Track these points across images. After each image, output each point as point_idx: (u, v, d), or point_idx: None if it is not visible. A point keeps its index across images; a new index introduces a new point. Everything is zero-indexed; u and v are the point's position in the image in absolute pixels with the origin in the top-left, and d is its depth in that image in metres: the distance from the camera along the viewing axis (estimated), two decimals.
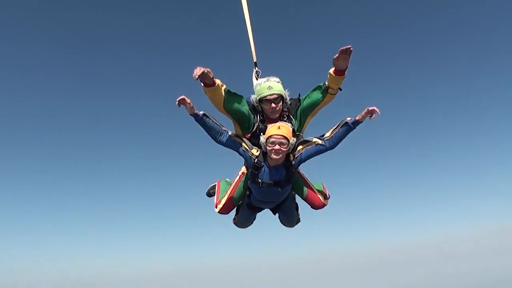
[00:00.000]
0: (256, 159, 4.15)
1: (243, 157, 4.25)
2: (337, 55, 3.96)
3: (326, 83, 4.21)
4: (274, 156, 4.00)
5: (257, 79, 4.72)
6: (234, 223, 4.93)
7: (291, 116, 4.38)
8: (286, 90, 4.32)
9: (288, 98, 4.34)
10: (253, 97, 4.33)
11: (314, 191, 4.63)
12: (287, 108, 4.36)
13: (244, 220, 4.87)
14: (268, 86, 4.20)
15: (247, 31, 4.99)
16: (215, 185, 5.21)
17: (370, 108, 4.05)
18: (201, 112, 4.07)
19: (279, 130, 3.98)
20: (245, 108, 4.27)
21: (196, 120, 4.07)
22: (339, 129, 4.15)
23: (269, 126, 4.11)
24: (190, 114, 4.03)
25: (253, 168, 4.18)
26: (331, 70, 4.12)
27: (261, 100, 4.23)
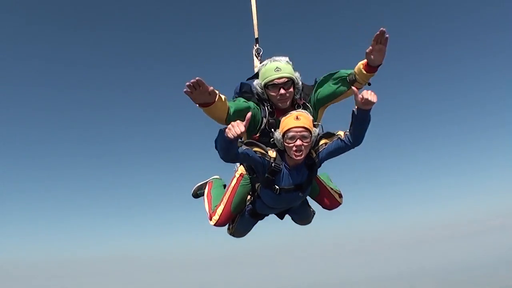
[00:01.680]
0: (273, 163, 3.29)
1: (259, 165, 3.30)
2: (370, 47, 3.14)
3: (353, 75, 3.33)
4: (295, 155, 3.17)
5: (258, 59, 4.03)
6: (230, 234, 4.01)
7: (307, 104, 3.51)
8: (297, 73, 3.45)
9: (300, 83, 3.46)
10: (257, 83, 3.46)
11: (327, 189, 3.83)
12: (300, 95, 3.50)
13: (243, 229, 4.00)
14: (275, 67, 3.34)
15: None
16: (204, 184, 4.31)
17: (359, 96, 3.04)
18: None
19: (298, 121, 3.16)
20: (250, 104, 3.40)
21: (230, 146, 3.01)
22: (352, 121, 3.24)
23: (284, 118, 3.27)
24: (230, 140, 2.92)
25: (270, 173, 3.33)
26: (362, 64, 3.27)
27: (267, 86, 3.35)
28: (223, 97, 3.14)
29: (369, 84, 3.37)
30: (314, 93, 3.52)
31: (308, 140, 3.15)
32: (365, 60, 3.23)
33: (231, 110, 3.22)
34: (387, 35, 3.08)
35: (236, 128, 2.83)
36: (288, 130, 3.14)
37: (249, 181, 3.68)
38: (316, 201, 3.92)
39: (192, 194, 4.43)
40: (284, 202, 3.53)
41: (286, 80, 3.30)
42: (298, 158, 3.16)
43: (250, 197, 3.74)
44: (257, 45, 4.16)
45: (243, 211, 3.82)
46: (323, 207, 3.92)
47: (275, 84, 3.30)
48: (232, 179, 3.80)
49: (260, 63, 3.72)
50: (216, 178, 4.35)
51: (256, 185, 3.58)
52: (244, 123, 2.88)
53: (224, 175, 4.31)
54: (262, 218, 3.91)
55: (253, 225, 3.99)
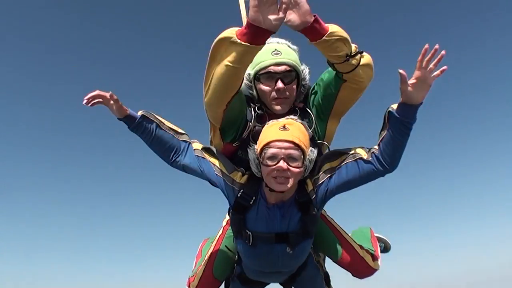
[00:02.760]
0: (240, 190, 2.16)
1: (222, 190, 2.27)
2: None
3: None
4: (275, 184, 2.00)
5: None
6: None
7: (308, 110, 2.35)
8: (305, 67, 2.36)
9: (307, 78, 2.37)
10: (245, 75, 2.31)
11: (354, 249, 2.53)
12: (303, 97, 2.40)
13: None
14: (273, 49, 2.25)
15: None
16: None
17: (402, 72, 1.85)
18: (140, 113, 2.22)
19: (284, 131, 1.98)
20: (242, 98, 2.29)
21: (132, 127, 2.21)
22: (386, 131, 2.01)
23: (266, 125, 2.11)
24: (120, 119, 2.20)
25: (236, 208, 2.19)
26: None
27: (259, 76, 2.26)
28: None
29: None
30: (311, 94, 2.38)
31: (298, 163, 1.96)
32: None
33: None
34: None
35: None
36: (267, 145, 1.97)
37: None
38: (341, 266, 2.58)
39: None
40: (265, 261, 2.28)
41: (288, 69, 2.21)
42: (279, 187, 1.98)
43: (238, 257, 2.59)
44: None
45: (233, 275, 2.65)
46: (353, 275, 2.60)
47: (271, 73, 2.21)
48: (218, 231, 2.70)
49: None
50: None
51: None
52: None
53: None
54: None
55: None
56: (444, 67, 1.84)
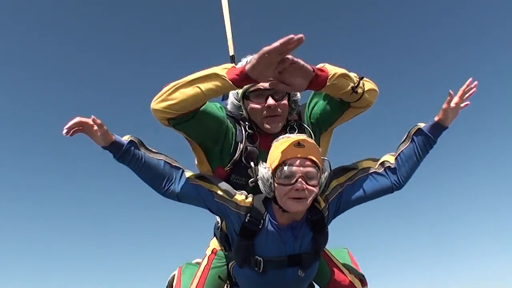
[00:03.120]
0: (248, 214, 1.99)
1: (222, 217, 2.15)
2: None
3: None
4: (292, 204, 1.86)
5: None
6: None
7: (304, 125, 2.25)
8: None
9: (299, 94, 2.25)
10: (232, 93, 2.22)
11: (343, 272, 2.34)
12: (297, 113, 2.28)
13: None
14: None
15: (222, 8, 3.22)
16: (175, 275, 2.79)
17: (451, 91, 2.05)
18: (127, 138, 1.99)
19: (300, 148, 1.86)
20: (218, 114, 2.13)
21: (119, 156, 1.95)
22: (408, 145, 2.09)
23: (275, 143, 1.97)
24: (105, 147, 1.93)
25: (243, 233, 2.01)
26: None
27: (247, 95, 2.12)
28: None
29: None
30: (308, 108, 2.31)
31: (315, 182, 1.85)
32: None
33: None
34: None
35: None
36: (284, 163, 1.84)
37: (225, 261, 2.39)
38: None
39: None
40: (274, 286, 2.10)
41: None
42: (296, 208, 1.85)
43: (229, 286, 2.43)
44: (234, 64, 3.11)
45: None
46: None
47: (260, 90, 2.06)
48: (202, 260, 2.47)
49: None
50: (191, 263, 2.85)
51: (230, 265, 2.25)
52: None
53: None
54: None
55: None
56: (468, 102, 2.07)
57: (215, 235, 2.48)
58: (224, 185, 2.05)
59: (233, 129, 2.15)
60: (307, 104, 2.32)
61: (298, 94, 2.25)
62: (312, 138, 2.14)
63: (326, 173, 1.97)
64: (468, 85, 2.05)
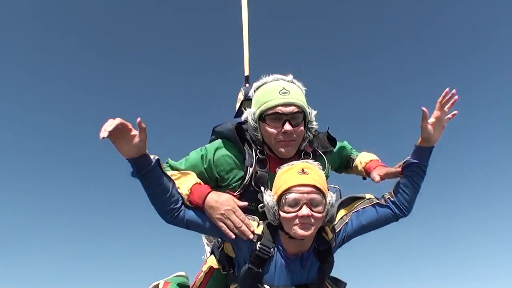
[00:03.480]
0: (259, 244, 1.95)
1: (236, 245, 2.04)
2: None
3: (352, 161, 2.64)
4: (298, 230, 1.84)
5: (245, 99, 3.08)
6: None
7: (319, 152, 2.26)
8: (311, 110, 2.19)
9: (315, 122, 2.20)
10: (249, 114, 2.16)
11: None
12: (311, 140, 2.24)
13: None
14: (281, 88, 2.08)
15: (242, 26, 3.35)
16: (157, 286, 2.69)
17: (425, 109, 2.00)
18: (154, 157, 1.84)
19: (304, 176, 1.87)
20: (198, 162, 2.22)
21: (145, 172, 1.79)
22: (402, 178, 2.13)
23: (280, 170, 1.98)
24: (131, 159, 1.76)
25: (254, 261, 1.96)
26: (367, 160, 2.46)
27: (264, 117, 2.07)
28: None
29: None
30: (335, 152, 2.50)
31: (320, 208, 1.85)
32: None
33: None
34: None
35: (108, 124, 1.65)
36: (288, 191, 1.84)
37: (223, 281, 2.34)
38: None
39: None
40: None
41: (296, 110, 2.03)
42: (303, 235, 1.84)
43: None
44: (247, 84, 3.23)
45: None
46: None
47: (278, 114, 2.02)
48: (196, 278, 2.40)
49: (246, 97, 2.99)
50: (179, 276, 2.82)
51: (231, 287, 2.19)
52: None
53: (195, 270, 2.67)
54: None
55: None
56: (455, 112, 2.02)
57: (213, 253, 2.41)
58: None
59: (244, 153, 2.13)
60: (340, 146, 2.50)
61: (314, 123, 2.20)
62: (324, 166, 2.18)
63: (333, 200, 1.96)
64: (444, 97, 1.97)
